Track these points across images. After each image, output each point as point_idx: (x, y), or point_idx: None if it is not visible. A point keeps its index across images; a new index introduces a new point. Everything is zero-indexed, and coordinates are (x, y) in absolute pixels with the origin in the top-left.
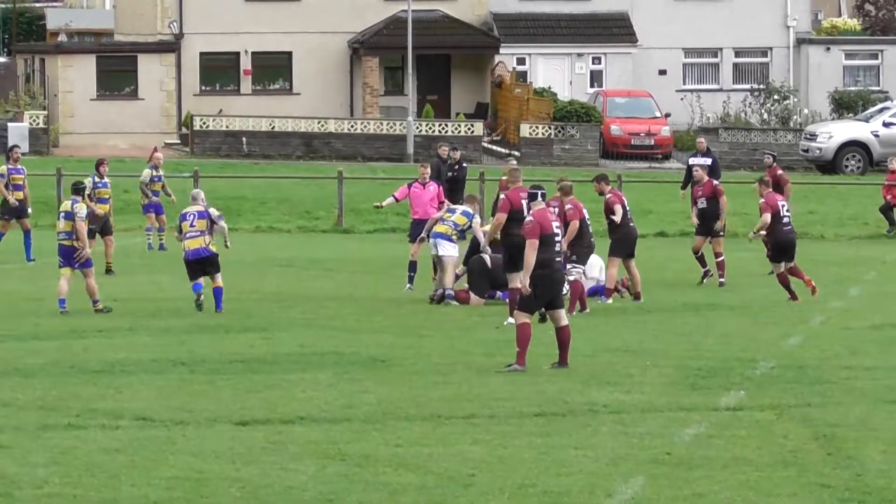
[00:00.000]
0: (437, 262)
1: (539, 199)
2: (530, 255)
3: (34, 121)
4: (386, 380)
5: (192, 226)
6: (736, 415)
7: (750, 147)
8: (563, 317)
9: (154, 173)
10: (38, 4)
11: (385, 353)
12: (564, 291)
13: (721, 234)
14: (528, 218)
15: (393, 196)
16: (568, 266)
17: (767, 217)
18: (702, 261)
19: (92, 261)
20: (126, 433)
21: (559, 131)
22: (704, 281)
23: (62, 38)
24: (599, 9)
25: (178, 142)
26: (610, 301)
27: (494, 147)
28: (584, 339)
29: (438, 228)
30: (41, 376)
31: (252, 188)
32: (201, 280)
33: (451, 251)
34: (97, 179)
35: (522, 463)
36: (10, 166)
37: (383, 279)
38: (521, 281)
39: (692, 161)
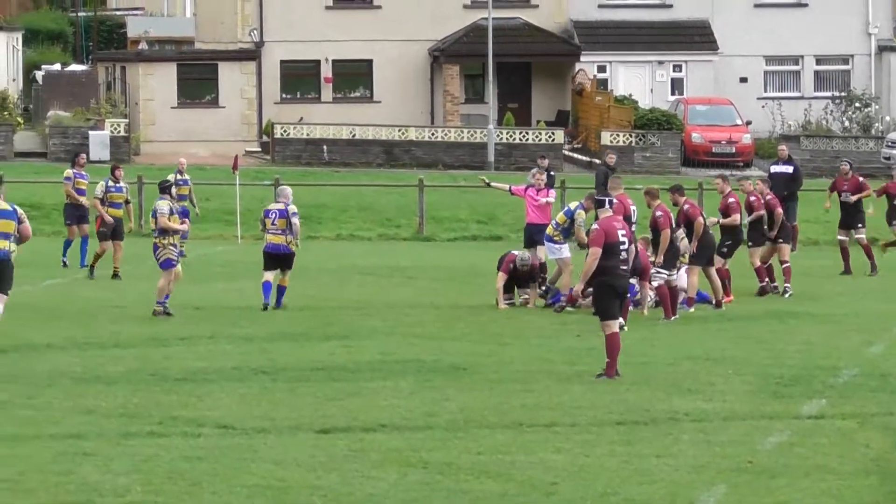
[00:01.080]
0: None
1: (607, 206)
2: (591, 262)
3: (115, 129)
4: (467, 387)
5: (273, 224)
6: (818, 423)
7: (831, 154)
8: (613, 325)
9: (179, 177)
10: (118, 12)
11: (466, 360)
12: (651, 299)
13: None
14: (594, 226)
15: (510, 186)
16: (653, 271)
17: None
18: (765, 272)
19: (172, 262)
20: (208, 441)
21: (640, 139)
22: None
23: (143, 46)
24: (680, 16)
25: (259, 150)
26: (692, 310)
27: (575, 155)
28: (665, 347)
29: (547, 230)
30: (123, 384)
31: (333, 196)
32: (271, 278)
33: (559, 253)
34: (111, 184)
35: (604, 471)
36: (75, 171)
37: (464, 287)
38: (576, 287)
39: (773, 169)
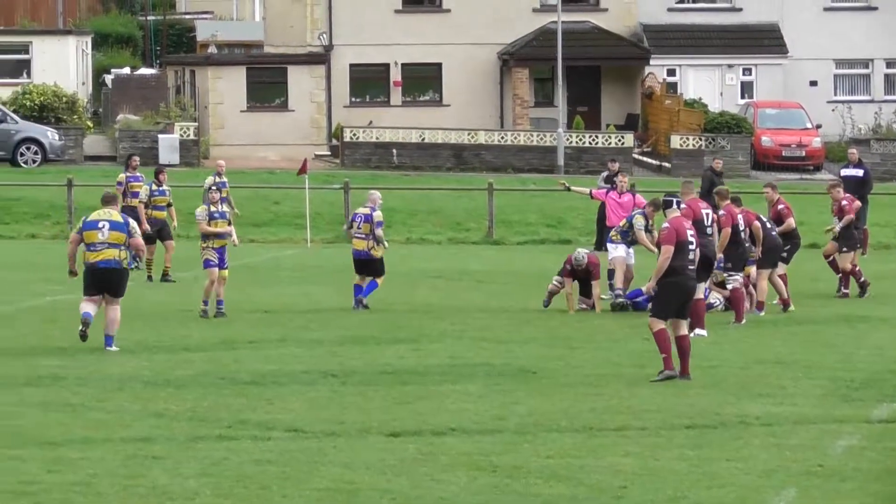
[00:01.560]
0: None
1: (675, 206)
2: (663, 260)
3: (184, 132)
4: (536, 391)
5: (358, 228)
6: (889, 427)
7: None
8: (684, 326)
9: (217, 179)
10: (187, 16)
11: (535, 364)
12: (717, 302)
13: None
14: (665, 225)
15: (590, 190)
16: (726, 274)
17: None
18: (835, 267)
19: (210, 262)
20: (277, 444)
21: (710, 143)
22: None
23: (212, 49)
24: (749, 20)
25: (328, 153)
26: (762, 314)
27: (645, 158)
28: (735, 350)
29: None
30: (192, 387)
31: (402, 200)
32: (361, 283)
33: (613, 252)
34: (155, 187)
35: (673, 475)
36: (128, 174)
37: (533, 290)
38: (648, 285)
39: (844, 172)
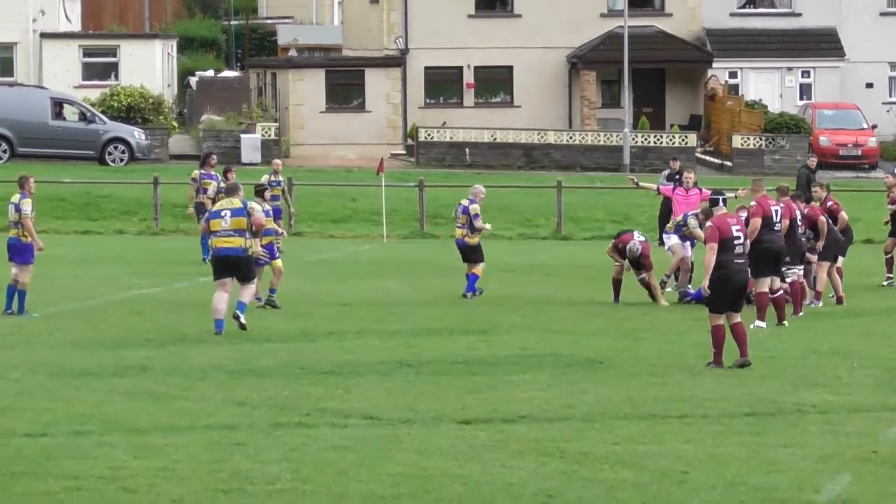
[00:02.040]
0: None
1: (721, 204)
2: (709, 256)
3: (266, 132)
4: (603, 380)
5: (458, 218)
6: None
7: None
8: (736, 315)
9: (273, 178)
10: (269, 21)
11: (602, 354)
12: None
13: None
14: (708, 224)
15: (657, 185)
16: (784, 268)
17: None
18: (889, 264)
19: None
20: (354, 431)
21: (770, 142)
22: (885, 284)
23: (292, 53)
24: (808, 24)
25: (404, 152)
26: (820, 304)
27: (708, 157)
28: (793, 341)
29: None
30: (274, 377)
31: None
32: (467, 271)
33: (668, 242)
34: (223, 184)
35: (733, 461)
36: (202, 171)
37: (600, 284)
38: (703, 284)
39: None
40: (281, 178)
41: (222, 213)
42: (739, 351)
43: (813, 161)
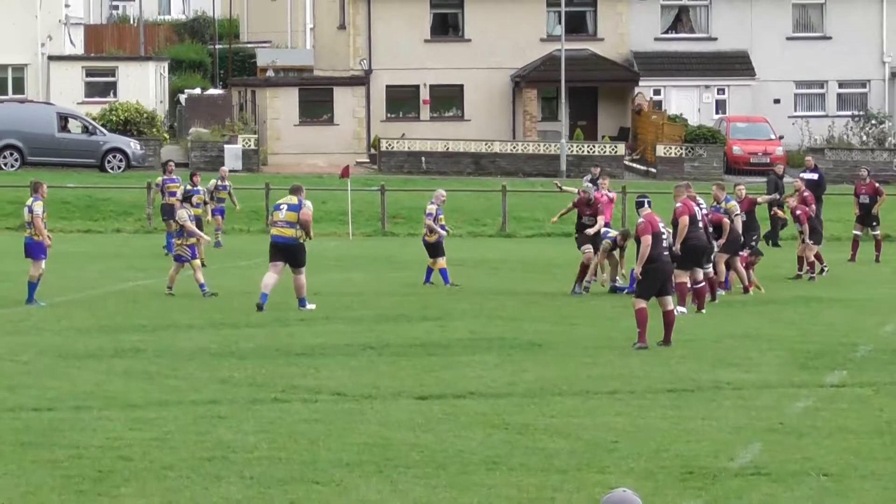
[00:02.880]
0: None
1: (646, 206)
2: (644, 248)
3: (246, 143)
4: (542, 361)
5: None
6: (839, 391)
7: (851, 164)
8: (669, 302)
9: (220, 183)
10: (249, 45)
11: (542, 338)
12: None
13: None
14: (640, 220)
15: (577, 189)
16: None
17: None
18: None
19: (182, 258)
20: (323, 406)
21: (689, 151)
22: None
23: (270, 73)
24: (723, 47)
25: (368, 161)
26: (723, 293)
27: (634, 165)
28: (710, 326)
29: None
30: (252, 358)
31: (427, 200)
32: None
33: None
34: (189, 187)
35: (658, 432)
36: (165, 177)
37: (541, 276)
38: (635, 269)
39: (802, 176)
40: (228, 183)
41: (281, 206)
42: (665, 333)
43: (780, 168)
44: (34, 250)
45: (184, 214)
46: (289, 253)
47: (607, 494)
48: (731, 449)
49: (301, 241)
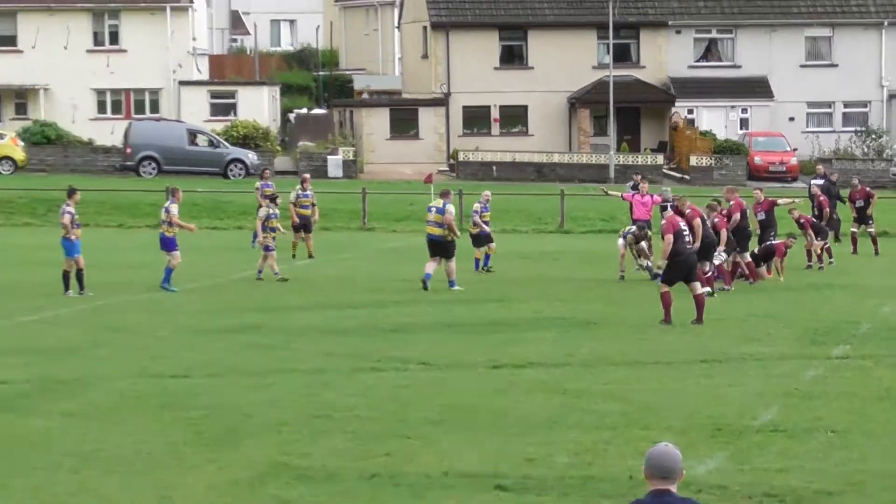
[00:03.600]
0: None
1: (669, 209)
2: (668, 246)
3: (346, 154)
4: (596, 336)
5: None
6: (844, 362)
7: (854, 172)
8: (697, 287)
9: (300, 192)
10: (347, 72)
11: (595, 317)
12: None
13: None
14: (663, 221)
15: (621, 193)
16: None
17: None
18: (829, 252)
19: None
20: (412, 374)
21: (718, 161)
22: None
23: (365, 96)
24: (746, 73)
25: (448, 169)
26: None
27: (671, 172)
28: (737, 308)
29: None
30: (353, 334)
31: (499, 202)
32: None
33: (618, 242)
34: (300, 191)
35: (692, 396)
36: (262, 182)
37: (593, 265)
38: (659, 262)
39: (813, 182)
40: (309, 192)
41: (431, 209)
42: (697, 314)
43: (834, 175)
44: (168, 244)
45: (263, 213)
46: (440, 247)
47: (651, 448)
48: (754, 410)
49: (448, 238)
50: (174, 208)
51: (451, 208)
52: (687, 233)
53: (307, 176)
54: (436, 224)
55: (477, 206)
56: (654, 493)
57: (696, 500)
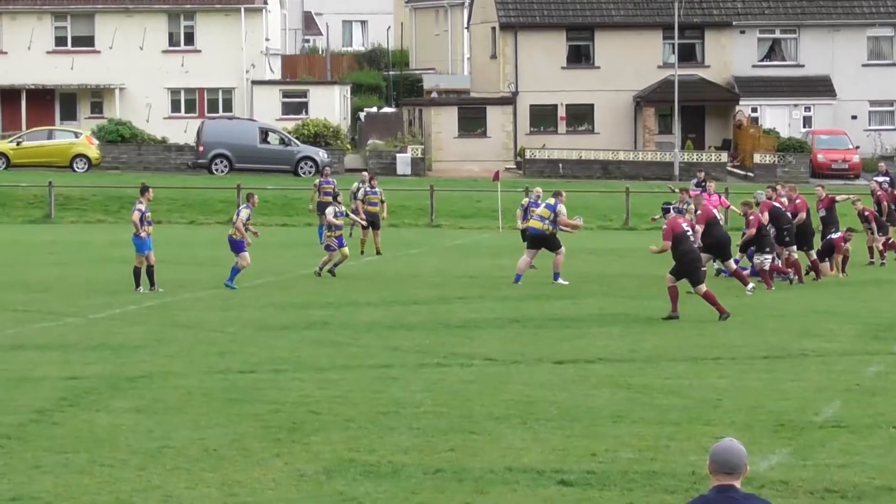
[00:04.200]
0: None
1: (671, 211)
2: (663, 250)
3: (415, 152)
4: (659, 332)
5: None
6: None
7: None
8: (702, 288)
9: (366, 187)
10: (417, 71)
11: (658, 313)
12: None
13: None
14: (664, 226)
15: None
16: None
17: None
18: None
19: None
20: (477, 369)
21: (781, 159)
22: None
23: (434, 94)
24: (809, 73)
25: (515, 167)
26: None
27: (735, 170)
28: (797, 304)
29: None
30: (419, 329)
31: (565, 199)
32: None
33: None
34: (368, 188)
35: (754, 391)
36: (321, 179)
37: (658, 262)
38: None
39: (875, 179)
40: (378, 189)
41: (539, 204)
42: (718, 309)
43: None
44: (236, 246)
45: (330, 211)
46: (540, 240)
47: (716, 443)
48: (816, 405)
49: (548, 232)
50: (245, 213)
51: (562, 208)
52: (689, 233)
53: (368, 174)
54: (539, 218)
55: (525, 200)
56: (718, 489)
57: (759, 495)
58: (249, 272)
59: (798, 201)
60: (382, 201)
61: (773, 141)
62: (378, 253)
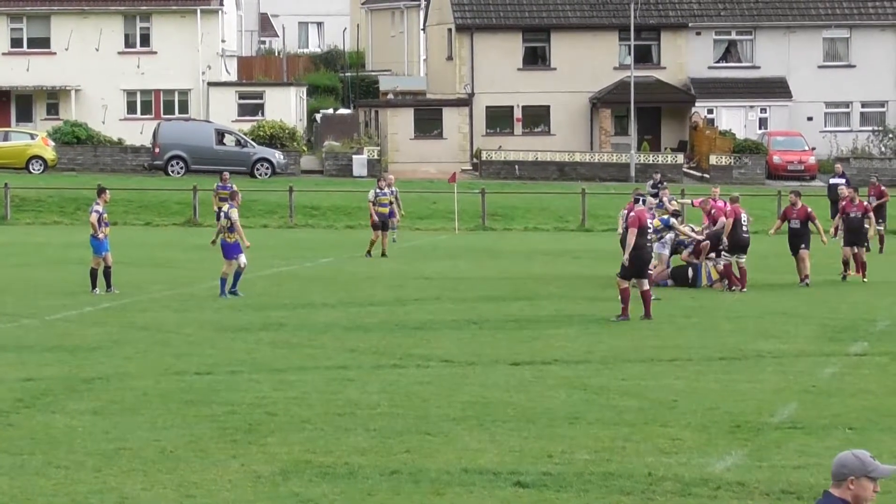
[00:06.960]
0: None
1: (640, 202)
2: (631, 238)
3: (371, 154)
4: (615, 333)
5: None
6: (861, 359)
7: (872, 170)
8: (645, 283)
9: (378, 190)
10: (373, 73)
11: (614, 314)
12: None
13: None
14: (631, 214)
15: (691, 201)
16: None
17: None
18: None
19: None
20: (434, 371)
21: (737, 160)
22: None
23: (390, 96)
24: (765, 74)
25: (471, 168)
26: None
27: (691, 171)
28: (754, 306)
29: None
30: (375, 331)
31: (521, 200)
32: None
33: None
34: (378, 190)
35: (710, 392)
36: (376, 190)
37: (614, 264)
38: (624, 257)
39: (831, 181)
40: (394, 189)
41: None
42: (645, 309)
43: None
44: (228, 251)
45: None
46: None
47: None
48: (772, 407)
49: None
50: (234, 213)
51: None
52: (651, 229)
53: (386, 175)
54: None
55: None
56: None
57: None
58: (206, 274)
59: (799, 207)
60: (396, 199)
61: (730, 142)
62: (383, 255)
